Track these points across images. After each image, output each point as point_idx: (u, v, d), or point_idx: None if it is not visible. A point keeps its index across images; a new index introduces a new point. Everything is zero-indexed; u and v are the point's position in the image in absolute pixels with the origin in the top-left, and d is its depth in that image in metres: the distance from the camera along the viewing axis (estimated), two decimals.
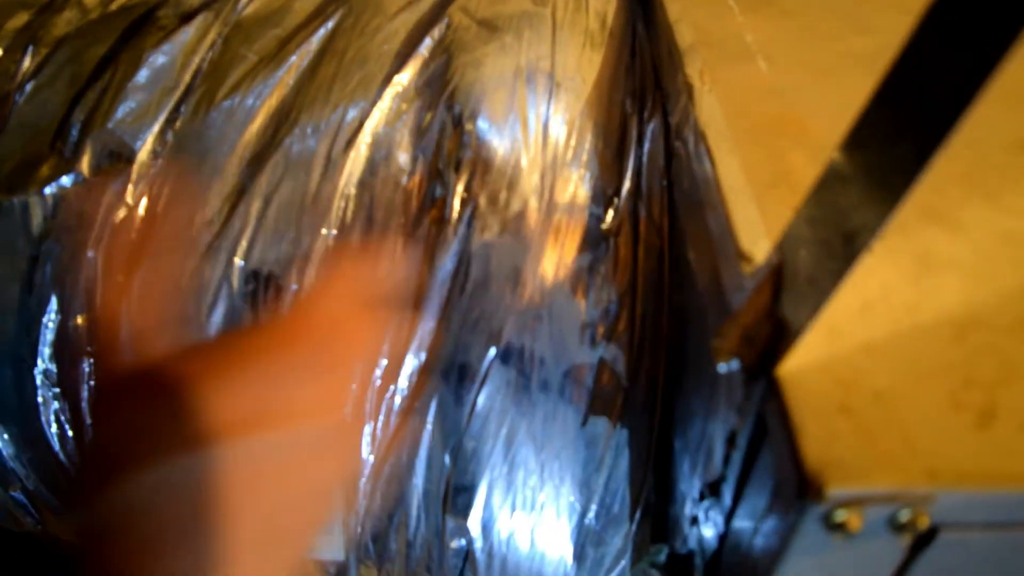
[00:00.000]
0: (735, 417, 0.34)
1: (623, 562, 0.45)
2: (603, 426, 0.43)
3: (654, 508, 0.44)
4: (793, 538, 0.29)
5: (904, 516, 0.27)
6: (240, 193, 0.46)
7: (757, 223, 0.35)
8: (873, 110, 0.26)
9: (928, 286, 0.34)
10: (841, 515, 0.27)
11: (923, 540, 0.29)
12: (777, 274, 0.31)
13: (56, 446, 0.50)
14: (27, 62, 0.53)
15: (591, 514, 0.44)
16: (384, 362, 0.44)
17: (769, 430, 0.30)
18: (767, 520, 0.31)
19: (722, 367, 0.31)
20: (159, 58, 0.50)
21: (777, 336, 0.30)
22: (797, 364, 0.30)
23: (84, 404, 0.48)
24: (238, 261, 0.45)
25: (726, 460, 0.35)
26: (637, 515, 0.44)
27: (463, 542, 0.45)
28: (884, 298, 0.33)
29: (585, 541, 0.45)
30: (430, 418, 0.44)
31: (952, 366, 0.31)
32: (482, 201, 0.44)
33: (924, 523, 0.27)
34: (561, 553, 0.45)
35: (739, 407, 0.33)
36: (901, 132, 0.24)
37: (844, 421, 0.29)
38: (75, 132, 0.50)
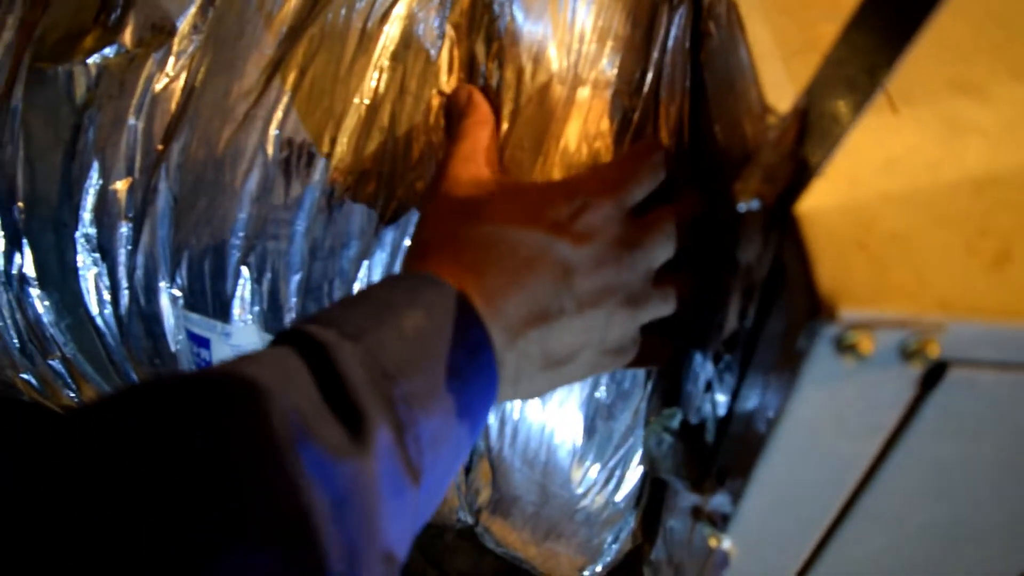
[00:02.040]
0: (753, 269, 0.34)
1: (631, 440, 0.47)
2: None
3: (664, 384, 0.45)
4: (806, 366, 0.29)
5: (914, 342, 0.28)
6: (277, 65, 0.47)
7: (784, 82, 0.36)
8: None
9: (952, 148, 0.34)
10: (853, 336, 0.28)
11: (933, 377, 0.30)
12: (803, 117, 0.31)
13: (93, 311, 0.52)
14: None
15: (601, 387, 0.45)
16: None
17: (786, 265, 0.31)
18: (779, 371, 0.32)
19: (742, 206, 0.32)
20: None
21: (798, 174, 0.31)
22: (817, 205, 0.31)
23: (121, 268, 0.50)
24: (273, 129, 0.46)
25: (743, 315, 0.36)
26: (648, 388, 0.45)
27: None
28: (908, 155, 0.34)
29: (595, 414, 0.46)
30: None
31: (969, 216, 0.31)
32: (508, 73, 0.44)
33: (934, 351, 0.28)
34: (571, 424, 0.46)
35: (758, 257, 0.34)
36: None
37: (859, 255, 0.29)
38: (119, 6, 0.51)
